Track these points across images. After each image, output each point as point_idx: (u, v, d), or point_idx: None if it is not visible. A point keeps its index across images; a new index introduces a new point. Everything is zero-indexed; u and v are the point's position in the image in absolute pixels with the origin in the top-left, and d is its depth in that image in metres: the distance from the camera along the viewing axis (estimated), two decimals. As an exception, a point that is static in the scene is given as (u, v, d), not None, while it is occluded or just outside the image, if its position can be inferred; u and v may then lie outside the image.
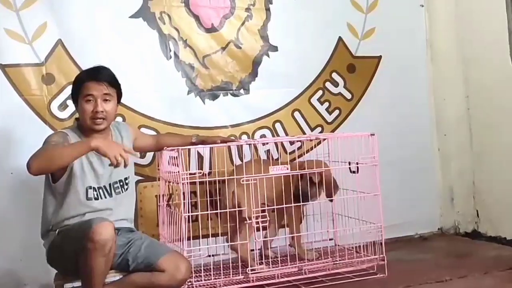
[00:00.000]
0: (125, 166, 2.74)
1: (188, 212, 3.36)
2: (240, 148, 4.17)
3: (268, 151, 4.29)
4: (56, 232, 2.94)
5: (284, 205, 3.62)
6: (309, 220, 4.05)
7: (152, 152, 3.86)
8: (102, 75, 3.04)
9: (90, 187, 2.97)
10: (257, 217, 3.43)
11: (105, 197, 3.02)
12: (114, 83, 3.08)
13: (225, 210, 3.60)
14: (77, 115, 3.18)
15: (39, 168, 2.75)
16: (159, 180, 3.74)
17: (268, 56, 4.39)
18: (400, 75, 4.73)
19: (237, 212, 3.60)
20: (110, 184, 3.05)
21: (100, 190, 3.01)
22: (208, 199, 3.85)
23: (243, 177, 3.46)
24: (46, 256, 3.01)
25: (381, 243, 3.65)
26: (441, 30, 4.87)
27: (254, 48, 4.37)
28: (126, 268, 2.93)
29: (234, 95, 4.29)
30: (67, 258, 2.80)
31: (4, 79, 3.66)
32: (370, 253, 3.69)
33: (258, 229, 3.48)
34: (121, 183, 3.10)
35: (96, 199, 2.98)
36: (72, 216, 2.92)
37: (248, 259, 3.58)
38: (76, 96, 3.04)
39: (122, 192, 3.10)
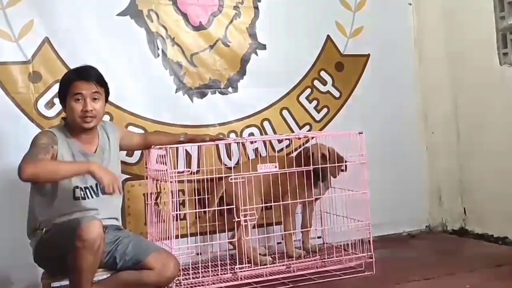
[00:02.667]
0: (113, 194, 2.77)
1: (176, 211, 3.36)
2: (228, 147, 4.17)
3: (257, 149, 4.29)
4: (44, 231, 2.92)
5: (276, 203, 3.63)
6: (298, 218, 4.05)
7: (140, 151, 3.85)
8: (90, 74, 3.03)
9: (77, 187, 2.96)
10: (245, 216, 3.44)
11: (92, 197, 3.01)
12: (102, 82, 3.07)
13: (213, 209, 3.61)
14: (63, 114, 3.17)
15: (31, 176, 2.74)
16: (147, 178, 3.74)
17: (257, 54, 4.39)
18: (388, 73, 4.75)
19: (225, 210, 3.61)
20: (96, 185, 3.02)
21: (87, 190, 3.00)
22: (196, 197, 3.85)
23: (232, 175, 3.47)
24: (33, 255, 2.99)
25: (369, 241, 3.67)
26: (429, 29, 4.89)
27: (242, 46, 4.36)
28: (114, 266, 2.92)
29: (222, 93, 4.28)
30: (55, 256, 2.79)
31: (-10, 77, 3.64)
32: (358, 251, 3.71)
33: (246, 227, 3.48)
34: None
35: (84, 198, 2.97)
36: (60, 215, 2.90)
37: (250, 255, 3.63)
38: (64, 95, 3.02)
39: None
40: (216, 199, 3.79)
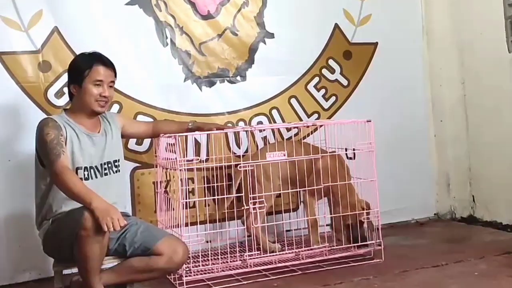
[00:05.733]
0: (115, 230, 2.70)
1: (186, 199, 3.37)
2: (237, 135, 4.18)
3: (265, 137, 4.31)
4: (50, 221, 2.95)
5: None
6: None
7: (149, 139, 3.88)
8: (109, 61, 3.11)
9: (80, 168, 2.98)
10: (254, 203, 3.45)
11: (96, 177, 3.04)
12: (115, 71, 3.14)
13: (222, 196, 3.63)
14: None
15: (57, 185, 2.85)
16: (156, 167, 3.75)
17: (265, 43, 4.39)
18: (396, 61, 4.74)
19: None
20: (101, 164, 3.07)
21: (92, 170, 3.03)
22: (205, 185, 3.86)
23: (241, 163, 3.49)
24: (42, 246, 3.03)
25: (377, 229, 3.68)
26: (437, 16, 4.87)
27: (251, 35, 4.36)
28: (124, 253, 2.95)
29: (230, 82, 4.29)
30: (62, 246, 2.82)
31: (0, 66, 3.65)
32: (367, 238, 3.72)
33: (255, 215, 3.49)
34: (110, 165, 3.12)
35: (87, 179, 2.98)
36: (63, 202, 2.91)
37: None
38: (79, 78, 3.04)
39: (110, 173, 3.11)
40: (235, 186, 3.80)
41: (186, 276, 3.32)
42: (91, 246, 2.70)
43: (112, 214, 2.67)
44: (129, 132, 3.42)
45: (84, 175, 2.99)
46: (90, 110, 3.05)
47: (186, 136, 3.74)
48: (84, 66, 3.06)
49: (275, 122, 4.37)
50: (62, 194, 2.86)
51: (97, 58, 3.09)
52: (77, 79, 3.06)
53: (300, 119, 4.44)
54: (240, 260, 3.51)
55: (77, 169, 2.97)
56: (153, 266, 2.90)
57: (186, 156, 3.55)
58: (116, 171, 3.15)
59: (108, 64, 3.09)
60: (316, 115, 4.52)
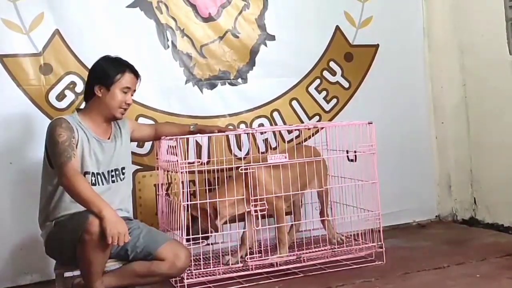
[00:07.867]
0: (118, 245, 2.74)
1: (187, 201, 3.38)
2: (238, 137, 4.18)
3: (266, 140, 4.31)
4: (53, 223, 2.94)
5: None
6: (308, 208, 4.07)
7: (151, 142, 3.87)
8: (137, 70, 3.15)
9: (88, 173, 2.98)
10: (255, 206, 3.45)
11: (102, 184, 3.03)
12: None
13: (225, 199, 3.62)
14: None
15: (65, 188, 2.84)
16: (157, 169, 3.75)
17: (266, 45, 4.39)
18: (397, 63, 4.74)
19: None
20: (108, 172, 3.07)
21: (99, 176, 3.03)
22: (207, 187, 3.86)
23: (242, 166, 3.48)
24: (44, 247, 3.03)
25: (379, 231, 3.68)
26: (438, 18, 4.87)
27: (252, 37, 4.36)
28: (126, 257, 2.95)
29: (232, 84, 4.29)
30: (65, 249, 2.82)
31: (2, 69, 3.66)
32: (368, 240, 3.71)
33: (256, 218, 3.48)
34: (117, 172, 3.12)
35: (94, 184, 2.97)
36: (68, 200, 2.90)
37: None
38: (109, 81, 3.04)
39: (117, 181, 3.11)
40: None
41: (187, 279, 3.32)
42: (94, 251, 2.71)
43: (120, 228, 2.69)
44: (137, 137, 3.44)
45: (92, 180, 2.99)
46: (111, 115, 3.07)
47: (188, 138, 3.74)
48: (116, 70, 3.07)
49: (276, 124, 4.36)
50: (68, 197, 2.87)
51: (128, 65, 3.13)
52: (106, 81, 3.05)
53: (302, 121, 4.43)
54: (242, 263, 3.50)
55: (85, 173, 2.96)
56: (155, 271, 2.91)
57: (188, 159, 3.54)
58: (123, 178, 3.15)
59: (137, 73, 3.14)
60: (317, 117, 4.52)
